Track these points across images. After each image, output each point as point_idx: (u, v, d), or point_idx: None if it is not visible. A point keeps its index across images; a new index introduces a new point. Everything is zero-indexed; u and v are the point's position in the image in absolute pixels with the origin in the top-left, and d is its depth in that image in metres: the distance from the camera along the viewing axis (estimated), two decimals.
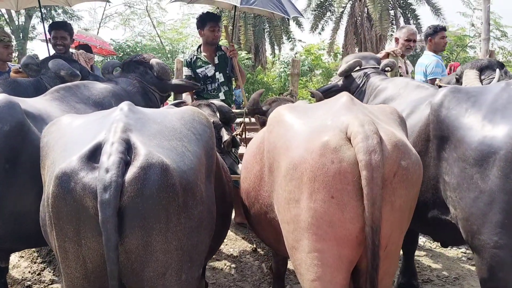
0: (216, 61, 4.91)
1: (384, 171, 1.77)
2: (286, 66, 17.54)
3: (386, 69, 3.98)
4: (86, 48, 7.32)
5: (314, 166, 1.84)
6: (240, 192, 2.73)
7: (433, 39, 5.19)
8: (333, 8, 19.78)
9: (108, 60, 9.87)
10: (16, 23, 19.46)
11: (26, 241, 2.60)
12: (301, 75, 16.13)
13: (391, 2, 18.45)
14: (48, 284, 3.66)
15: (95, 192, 1.61)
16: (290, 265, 3.34)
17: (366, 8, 17.98)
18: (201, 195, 1.89)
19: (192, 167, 1.85)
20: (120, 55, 15.06)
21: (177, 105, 3.41)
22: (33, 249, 4.00)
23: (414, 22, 18.12)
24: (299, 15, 5.95)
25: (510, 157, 1.96)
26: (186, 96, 4.60)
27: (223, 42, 6.80)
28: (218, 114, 3.35)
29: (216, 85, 4.89)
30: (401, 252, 3.14)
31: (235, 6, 5.32)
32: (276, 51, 21.00)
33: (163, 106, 4.35)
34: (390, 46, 17.91)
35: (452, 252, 4.33)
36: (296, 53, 20.58)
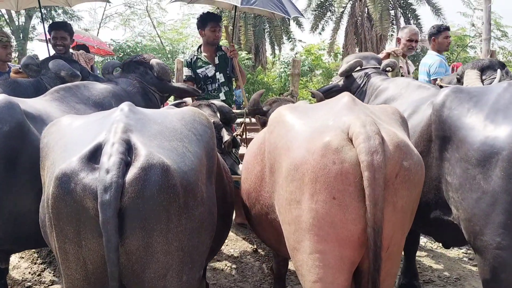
0: (217, 61, 4.90)
1: (386, 172, 1.76)
2: (286, 66, 17.54)
3: (387, 69, 3.97)
4: (84, 48, 7.31)
5: (315, 167, 1.83)
6: (241, 192, 2.72)
7: (437, 38, 5.18)
8: (333, 8, 19.78)
9: (108, 60, 9.86)
10: (16, 23, 19.46)
11: (25, 242, 2.59)
12: (301, 75, 16.10)
13: (392, 2, 18.45)
14: (49, 285, 3.65)
15: (95, 193, 1.60)
16: (291, 266, 3.33)
17: (366, 8, 17.98)
18: (202, 196, 1.88)
19: (193, 167, 1.84)
20: (120, 55, 15.05)
21: (177, 105, 3.40)
22: (33, 250, 3.99)
23: (415, 22, 18.11)
24: (299, 15, 5.94)
25: None
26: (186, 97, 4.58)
27: (223, 42, 6.79)
28: (218, 115, 3.34)
29: (217, 85, 4.88)
30: (402, 252, 3.13)
31: (236, 6, 5.31)
32: (276, 51, 21.01)
33: (163, 106, 4.35)
34: (390, 46, 17.96)
35: (453, 252, 4.32)
36: (296, 53, 20.59)
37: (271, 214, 2.24)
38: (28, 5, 6.25)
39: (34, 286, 3.63)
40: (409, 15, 18.82)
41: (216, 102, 3.54)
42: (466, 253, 4.28)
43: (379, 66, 4.04)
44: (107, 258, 1.60)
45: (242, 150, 3.99)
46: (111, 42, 16.34)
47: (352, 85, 4.03)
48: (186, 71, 4.84)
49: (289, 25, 20.00)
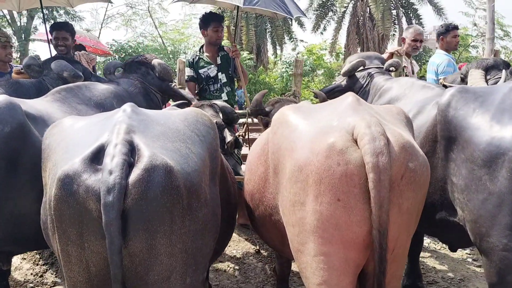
0: (219, 61, 4.88)
1: (392, 174, 1.74)
2: (288, 66, 17.52)
3: (391, 69, 3.95)
4: (80, 48, 7.29)
5: (319, 168, 1.81)
6: (244, 193, 2.71)
7: (445, 38, 5.16)
8: (335, 8, 19.78)
9: (110, 61, 9.86)
10: (18, 24, 19.47)
11: (27, 243, 2.58)
12: (303, 75, 16.09)
13: (393, 1, 18.43)
14: (51, 287, 3.64)
15: (98, 195, 1.58)
16: (294, 267, 3.31)
17: (368, 8, 17.97)
18: (205, 197, 1.86)
19: (196, 169, 1.82)
20: (122, 55, 15.04)
21: (179, 106, 3.39)
22: (35, 251, 3.98)
23: (416, 22, 18.10)
24: (302, 15, 5.92)
25: None
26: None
27: (224, 42, 6.77)
28: (221, 115, 3.32)
29: (219, 85, 4.86)
30: None
31: (238, 6, 5.29)
32: (278, 51, 20.99)
33: (165, 107, 4.33)
34: (392, 45, 17.95)
35: (457, 253, 4.29)
36: (298, 53, 20.57)
37: (275, 216, 2.22)
38: (30, 5, 6.24)
39: (36, 287, 3.62)
40: (411, 15, 18.80)
41: (219, 102, 3.52)
42: (470, 254, 4.26)
43: (382, 66, 4.02)
44: (110, 260, 1.58)
45: (244, 150, 3.97)
46: (113, 42, 16.33)
47: (355, 85, 4.01)
48: (188, 71, 4.82)
49: (291, 25, 20.00)
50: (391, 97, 3.39)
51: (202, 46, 5.03)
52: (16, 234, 2.45)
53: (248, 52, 17.07)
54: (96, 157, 1.67)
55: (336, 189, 1.78)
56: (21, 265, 3.89)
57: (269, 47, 20.58)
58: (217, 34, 4.83)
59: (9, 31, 18.63)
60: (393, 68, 3.97)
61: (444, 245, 4.22)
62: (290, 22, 19.34)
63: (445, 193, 2.36)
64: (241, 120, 3.85)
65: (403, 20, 18.68)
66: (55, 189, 1.66)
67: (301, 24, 20.52)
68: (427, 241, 4.43)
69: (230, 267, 3.94)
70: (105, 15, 22.49)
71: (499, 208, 2.01)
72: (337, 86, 4.12)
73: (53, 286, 3.65)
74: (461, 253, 4.29)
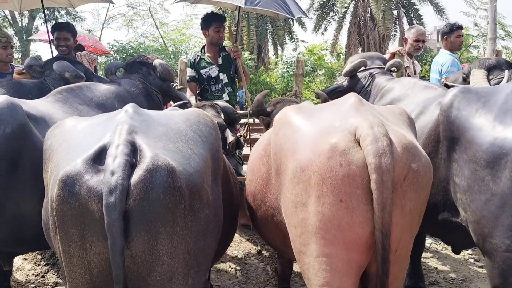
0: (220, 61, 4.88)
1: (394, 174, 1.73)
2: (289, 66, 17.50)
3: (392, 69, 3.94)
4: (79, 48, 7.29)
5: (322, 169, 1.80)
6: (246, 194, 2.70)
7: (449, 37, 5.15)
8: (336, 8, 19.77)
9: (111, 61, 9.85)
10: (20, 24, 19.50)
11: (28, 244, 2.58)
12: (304, 76, 16.08)
13: (394, 2, 18.42)
14: (52, 287, 3.64)
15: (100, 195, 1.58)
16: (295, 268, 3.31)
17: (369, 8, 17.96)
18: (207, 198, 1.86)
19: (198, 169, 1.82)
20: (123, 56, 15.04)
21: (181, 106, 3.38)
22: (37, 252, 3.98)
23: (417, 22, 18.08)
24: (303, 15, 5.91)
25: None
26: (190, 98, 4.57)
27: (226, 42, 6.76)
28: (222, 115, 3.32)
29: (220, 86, 4.86)
30: None
31: (239, 6, 5.28)
32: (279, 52, 20.99)
33: (166, 107, 4.33)
34: (393, 46, 17.92)
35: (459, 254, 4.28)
36: (299, 54, 20.56)
37: (277, 216, 2.22)
38: (31, 6, 6.25)
39: None
40: (412, 15, 18.79)
41: (220, 102, 3.52)
42: (472, 255, 4.25)
43: (384, 66, 4.01)
44: (112, 261, 1.58)
45: (246, 150, 3.97)
46: (114, 43, 16.34)
47: (357, 85, 4.01)
48: (190, 72, 4.82)
49: (292, 25, 19.99)
50: (393, 97, 3.38)
51: (203, 47, 5.02)
52: (17, 235, 2.44)
53: (249, 53, 17.07)
54: (98, 158, 1.66)
55: (338, 190, 1.77)
56: (23, 266, 3.89)
57: (270, 47, 20.59)
58: (218, 35, 4.82)
59: (10, 31, 18.67)
60: (395, 68, 3.96)
61: (446, 245, 4.22)
62: (291, 23, 19.30)
63: (448, 194, 2.35)
64: (242, 120, 3.84)
65: (404, 20, 18.67)
66: (57, 190, 1.65)
67: (302, 25, 20.52)
68: (428, 241, 4.42)
69: (232, 268, 3.93)
70: (106, 15, 22.54)
71: (502, 209, 2.00)
72: (339, 87, 4.12)
73: (55, 287, 3.64)
74: (463, 254, 4.27)
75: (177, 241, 1.69)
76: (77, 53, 5.80)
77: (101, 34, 22.16)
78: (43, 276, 3.76)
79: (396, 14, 18.56)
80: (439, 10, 18.61)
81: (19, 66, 4.77)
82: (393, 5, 18.35)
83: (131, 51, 15.57)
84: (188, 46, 19.69)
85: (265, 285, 3.67)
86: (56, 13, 18.71)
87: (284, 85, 17.46)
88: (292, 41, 20.71)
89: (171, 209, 1.66)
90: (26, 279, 3.72)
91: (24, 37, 18.45)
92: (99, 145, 1.70)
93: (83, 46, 7.99)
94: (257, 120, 3.92)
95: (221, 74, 4.85)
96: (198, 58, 4.88)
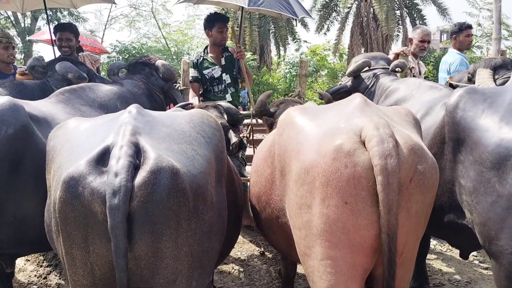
0: (223, 62, 4.87)
1: (400, 176, 1.71)
2: (291, 67, 17.48)
3: (397, 69, 3.92)
4: (78, 49, 7.24)
5: (326, 171, 1.78)
6: (250, 195, 2.68)
7: (458, 37, 5.13)
8: (338, 8, 19.72)
9: (114, 62, 9.83)
10: (22, 25, 19.55)
11: (30, 246, 2.57)
12: (307, 76, 16.04)
13: (397, 2, 18.36)
14: None
15: (103, 197, 1.56)
16: (299, 269, 3.29)
17: (372, 8, 17.91)
18: (211, 200, 1.84)
19: (202, 171, 1.80)
20: (126, 56, 15.06)
21: (184, 107, 3.37)
22: (39, 253, 3.97)
23: (420, 22, 18.02)
24: (307, 15, 5.88)
25: None
26: (192, 98, 4.56)
27: (228, 43, 6.75)
28: (225, 116, 3.30)
29: (223, 86, 4.84)
30: None
31: (242, 7, 5.26)
32: (281, 52, 20.97)
33: (169, 108, 4.32)
34: (396, 46, 17.87)
35: None
36: (301, 54, 20.54)
37: (281, 218, 2.20)
38: (34, 7, 6.24)
39: None
40: (415, 15, 18.73)
41: (223, 103, 3.50)
42: (476, 256, 4.21)
43: (388, 67, 3.99)
44: (116, 263, 1.56)
45: (249, 151, 3.95)
46: (116, 43, 16.35)
47: (360, 85, 3.99)
48: (193, 72, 4.80)
49: (295, 26, 19.97)
50: (398, 98, 3.36)
51: (206, 47, 5.01)
52: (19, 236, 2.43)
53: (251, 53, 17.06)
54: (102, 159, 1.65)
55: (343, 192, 1.75)
56: (25, 267, 3.88)
57: (273, 47, 20.56)
58: (221, 35, 4.81)
59: (13, 32, 18.72)
60: (399, 68, 3.94)
61: (450, 247, 4.19)
62: (294, 23, 19.32)
63: (453, 196, 2.33)
64: (245, 121, 3.82)
65: (407, 20, 18.61)
66: (60, 192, 1.64)
67: (304, 25, 20.49)
68: (433, 243, 4.39)
69: (235, 269, 3.92)
70: (108, 16, 22.57)
71: (508, 211, 1.98)
72: (342, 87, 4.10)
73: None
74: None
75: (181, 243, 1.67)
76: (79, 54, 5.79)
77: (103, 35, 22.21)
78: (45, 278, 3.75)
79: (399, 14, 18.50)
80: (442, 10, 18.55)
81: (21, 67, 4.76)
82: (396, 5, 18.29)
83: (134, 51, 15.58)
84: (190, 46, 19.71)
85: (268, 287, 3.65)
86: (58, 14, 18.75)
87: (286, 85, 17.44)
88: (295, 42, 20.68)
89: (175, 211, 1.64)
90: (28, 281, 3.71)
91: (27, 37, 18.49)
92: (103, 146, 1.68)
93: (81, 47, 7.97)
94: (260, 121, 3.91)
95: (224, 74, 4.83)
96: (201, 58, 4.87)
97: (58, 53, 4.80)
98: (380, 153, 1.69)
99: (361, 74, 4.02)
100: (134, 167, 1.62)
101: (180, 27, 21.81)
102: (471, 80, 3.56)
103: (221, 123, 2.77)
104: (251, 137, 3.86)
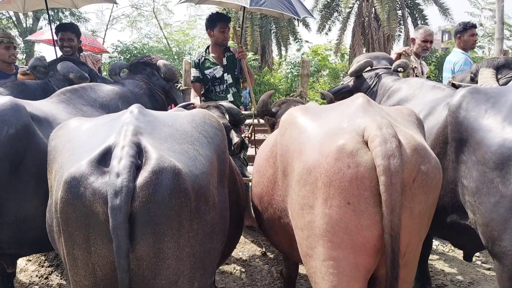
0: (225, 62, 4.86)
1: (403, 177, 1.70)
2: (293, 67, 17.48)
3: (399, 69, 3.91)
4: (78, 49, 7.23)
5: (329, 171, 1.77)
6: (252, 196, 2.68)
7: (462, 36, 5.11)
8: (340, 8, 19.73)
9: (115, 62, 9.83)
10: (24, 25, 19.58)
11: (31, 246, 2.56)
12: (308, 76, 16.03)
13: (399, 2, 18.36)
14: None
15: (105, 198, 1.56)
16: (301, 270, 3.28)
17: (373, 8, 17.91)
18: (213, 200, 1.84)
19: (204, 171, 1.80)
20: (127, 57, 15.08)
21: (185, 107, 3.36)
22: (40, 253, 3.97)
23: (422, 22, 18.01)
24: (309, 15, 5.85)
25: None
26: (194, 98, 4.55)
27: (230, 43, 6.75)
28: (227, 116, 3.29)
29: (225, 86, 4.83)
30: None
31: (244, 7, 5.25)
32: (283, 52, 20.97)
33: (170, 108, 4.31)
34: (398, 46, 17.85)
35: None
36: (303, 54, 20.54)
37: (284, 219, 2.19)
38: (35, 7, 6.24)
39: None
40: (417, 15, 18.72)
41: (225, 103, 3.49)
42: (479, 257, 4.20)
43: (390, 67, 3.98)
44: (117, 264, 1.56)
45: (250, 151, 3.95)
46: (118, 43, 16.38)
47: (362, 85, 3.98)
48: (194, 72, 4.80)
49: (297, 26, 19.98)
50: (401, 98, 3.34)
51: (208, 47, 5.00)
52: (20, 236, 2.43)
53: (253, 53, 17.07)
54: (103, 159, 1.64)
55: (346, 192, 1.74)
56: (26, 267, 3.88)
57: (274, 47, 20.56)
58: (223, 35, 4.80)
59: (15, 32, 18.76)
60: (401, 68, 3.93)
61: (453, 247, 4.17)
62: (295, 23, 19.30)
63: (456, 196, 2.32)
64: (247, 121, 3.82)
65: (409, 20, 18.61)
66: (61, 192, 1.63)
67: (306, 25, 20.49)
68: (435, 243, 4.37)
69: (236, 270, 3.91)
70: (110, 16, 22.61)
71: (511, 211, 1.97)
72: (345, 87, 4.09)
73: None
74: None
75: (183, 244, 1.67)
76: (81, 54, 5.79)
77: (105, 35, 22.25)
78: (46, 278, 3.75)
79: (401, 14, 18.49)
80: (444, 10, 18.54)
81: (23, 67, 4.76)
82: (397, 5, 18.29)
83: (135, 51, 15.61)
84: (191, 46, 19.75)
85: None
86: (60, 14, 18.78)
87: (288, 85, 17.45)
88: (296, 42, 20.69)
89: (176, 212, 1.64)
90: (29, 281, 3.71)
91: (27, 38, 18.53)
92: (104, 146, 1.68)
93: (81, 47, 7.96)
94: (262, 121, 3.90)
95: (225, 74, 4.82)
96: (203, 58, 4.87)
97: (59, 53, 4.80)
98: (383, 153, 1.68)
99: (363, 74, 4.01)
100: (136, 167, 1.61)
101: (182, 27, 21.85)
102: (473, 79, 3.54)
103: (223, 123, 2.77)
104: (253, 137, 3.85)
